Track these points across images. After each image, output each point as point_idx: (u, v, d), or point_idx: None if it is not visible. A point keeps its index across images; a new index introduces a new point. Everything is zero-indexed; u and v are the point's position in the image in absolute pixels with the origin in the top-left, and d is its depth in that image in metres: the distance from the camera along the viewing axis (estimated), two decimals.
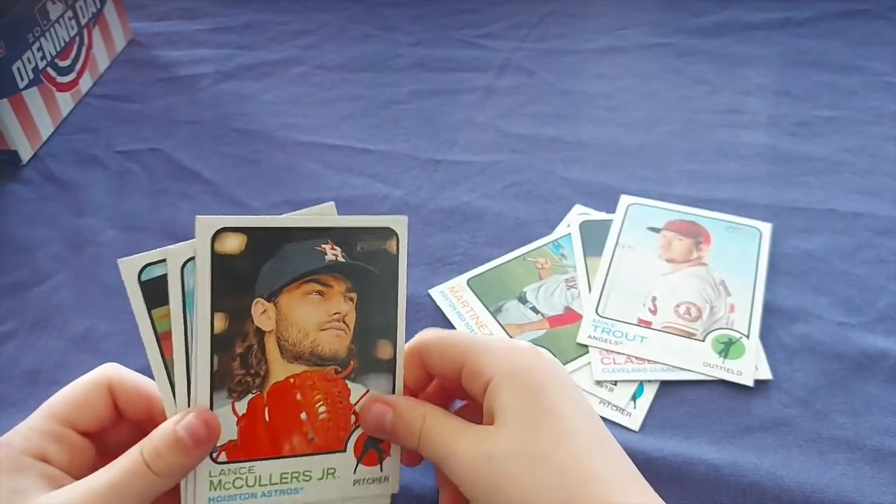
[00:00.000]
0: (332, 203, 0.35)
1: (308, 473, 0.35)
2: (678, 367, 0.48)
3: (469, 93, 0.73)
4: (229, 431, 0.34)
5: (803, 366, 0.47)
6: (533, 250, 0.56)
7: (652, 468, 0.43)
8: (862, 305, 0.51)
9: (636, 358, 0.48)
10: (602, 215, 0.58)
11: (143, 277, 0.33)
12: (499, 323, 0.51)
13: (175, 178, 0.64)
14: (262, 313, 0.34)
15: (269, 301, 0.34)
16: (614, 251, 0.55)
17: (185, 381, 0.33)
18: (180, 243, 0.33)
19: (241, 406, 0.34)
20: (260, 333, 0.34)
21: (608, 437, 0.34)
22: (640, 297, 0.52)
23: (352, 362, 0.35)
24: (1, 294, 0.55)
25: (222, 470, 0.34)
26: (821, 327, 0.49)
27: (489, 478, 0.31)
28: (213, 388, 0.33)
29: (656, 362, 0.48)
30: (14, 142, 0.64)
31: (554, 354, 0.49)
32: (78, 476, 0.32)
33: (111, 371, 0.36)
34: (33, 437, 0.33)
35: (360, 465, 0.36)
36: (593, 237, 0.56)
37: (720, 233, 0.56)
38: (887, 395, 0.46)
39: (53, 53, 0.68)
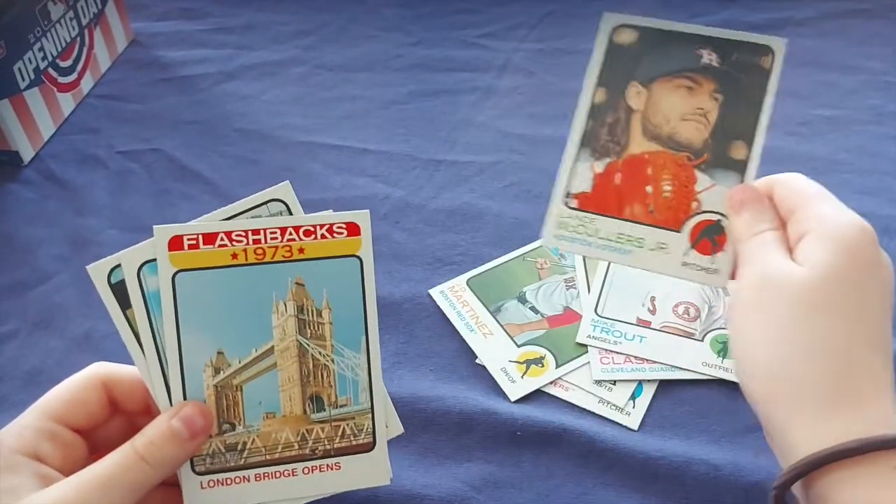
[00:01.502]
0: (288, 182, 0.36)
1: (641, 241, 0.38)
2: (677, 367, 0.48)
3: (469, 93, 0.73)
4: (586, 183, 0.39)
5: None
6: (532, 250, 0.56)
7: (652, 468, 0.43)
8: None
9: (635, 357, 0.48)
10: None
11: (114, 280, 0.34)
12: (498, 322, 0.51)
13: (176, 179, 0.64)
14: (636, 94, 0.39)
15: (643, 86, 0.39)
16: None
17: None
18: (136, 245, 0.34)
19: (600, 166, 0.39)
20: (629, 111, 0.39)
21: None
22: (638, 297, 0.52)
23: (706, 154, 0.38)
24: (2, 294, 0.55)
25: (571, 215, 0.39)
26: None
27: (761, 305, 0.32)
28: (581, 144, 0.39)
29: (655, 362, 0.48)
30: (15, 142, 0.64)
31: (553, 354, 0.49)
32: (69, 474, 0.32)
33: (103, 368, 0.36)
34: (26, 436, 0.33)
35: (692, 249, 0.38)
36: None
37: None
38: None
39: (55, 54, 0.68)
